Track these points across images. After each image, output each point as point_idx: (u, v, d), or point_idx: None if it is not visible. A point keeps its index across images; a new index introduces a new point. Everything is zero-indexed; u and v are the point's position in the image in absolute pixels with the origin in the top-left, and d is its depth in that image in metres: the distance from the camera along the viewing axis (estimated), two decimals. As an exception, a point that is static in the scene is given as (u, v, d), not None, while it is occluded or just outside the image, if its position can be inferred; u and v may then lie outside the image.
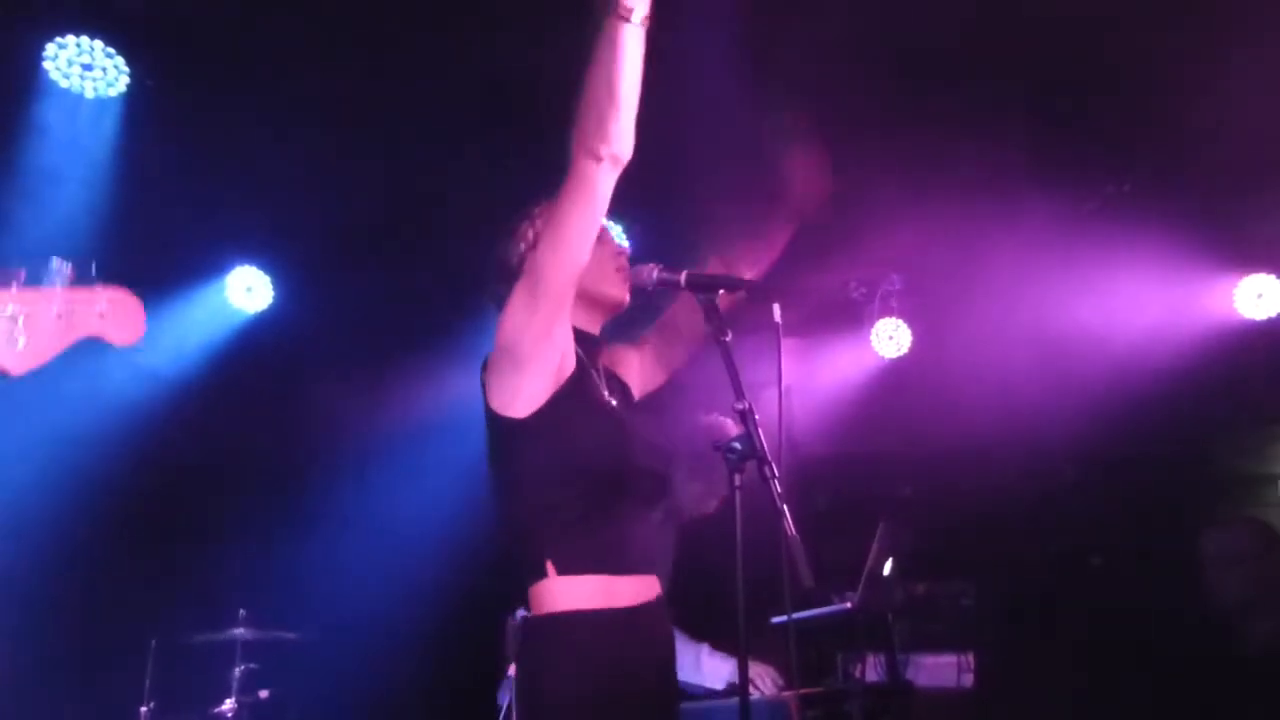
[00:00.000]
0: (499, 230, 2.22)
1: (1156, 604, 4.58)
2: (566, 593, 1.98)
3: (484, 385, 2.09)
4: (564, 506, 2.02)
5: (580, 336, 2.16)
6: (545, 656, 1.97)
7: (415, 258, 4.99)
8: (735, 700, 3.07)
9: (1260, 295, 5.06)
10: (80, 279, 1.65)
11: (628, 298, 2.21)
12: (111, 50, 3.99)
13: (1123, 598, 4.98)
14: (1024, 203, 4.68)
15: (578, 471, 2.02)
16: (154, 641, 4.19)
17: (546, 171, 2.01)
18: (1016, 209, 4.70)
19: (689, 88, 3.98)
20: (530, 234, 2.18)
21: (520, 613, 2.04)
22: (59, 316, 1.61)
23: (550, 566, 1.99)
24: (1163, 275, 4.90)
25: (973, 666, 3.92)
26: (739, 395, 1.95)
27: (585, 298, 2.19)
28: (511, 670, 1.98)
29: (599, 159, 1.90)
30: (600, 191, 1.93)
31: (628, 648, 2.01)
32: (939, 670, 3.90)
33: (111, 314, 1.66)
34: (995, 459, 5.16)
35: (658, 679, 2.10)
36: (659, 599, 2.11)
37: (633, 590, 2.04)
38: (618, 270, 2.20)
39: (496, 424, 2.06)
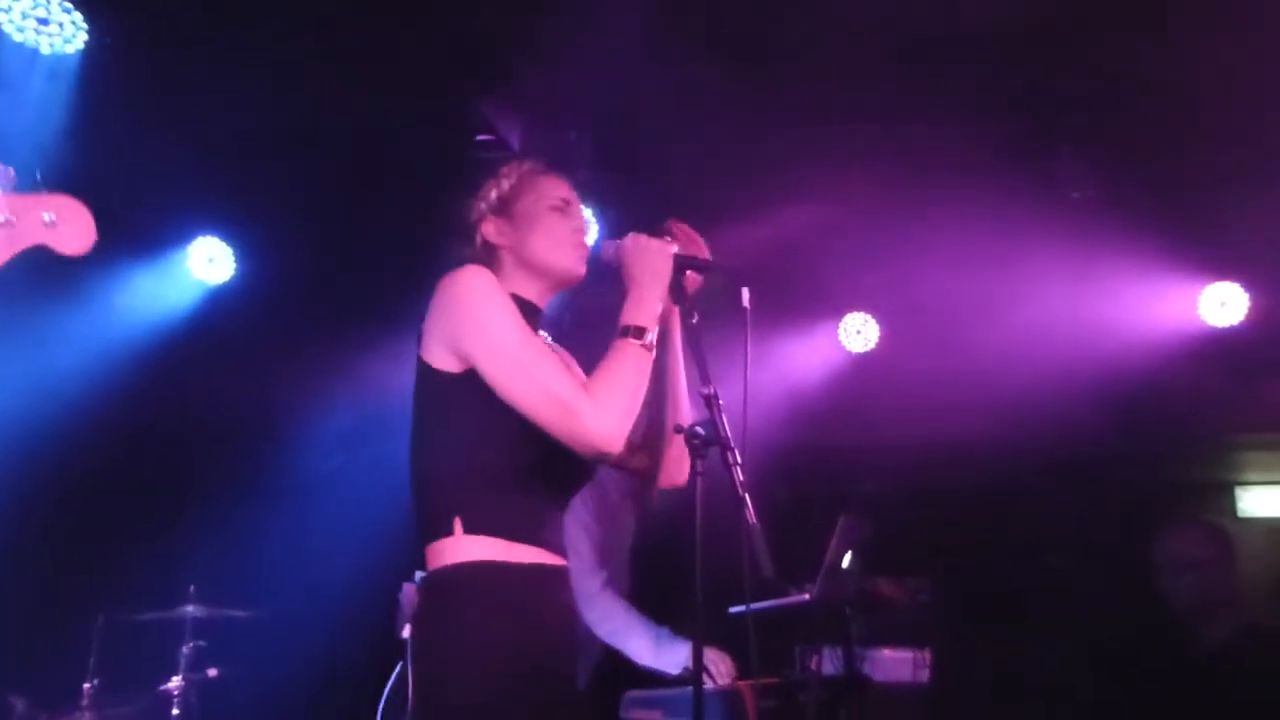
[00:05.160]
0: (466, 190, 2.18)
1: (1112, 605, 4.62)
2: (470, 548, 1.94)
3: (421, 337, 2.04)
4: (482, 470, 1.97)
5: (523, 306, 2.07)
6: (450, 607, 1.92)
7: (380, 231, 4.91)
8: (688, 689, 3.05)
9: (1223, 303, 5.08)
10: (23, 186, 1.58)
11: (582, 271, 2.15)
12: (69, 5, 3.87)
13: (1079, 598, 5.02)
14: (992, 203, 4.69)
15: (501, 436, 1.95)
16: (100, 617, 4.10)
17: (507, 141, 1.97)
18: (984, 209, 4.71)
19: (661, 71, 3.94)
20: (493, 196, 2.14)
21: (418, 574, 1.99)
22: (3, 225, 1.54)
23: (458, 524, 1.95)
24: (1128, 280, 4.93)
25: (929, 663, 3.92)
26: (705, 380, 1.92)
27: (535, 268, 2.13)
28: (406, 633, 1.92)
29: (597, 444, 1.90)
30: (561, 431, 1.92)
31: (530, 599, 1.97)
32: (895, 665, 3.89)
33: (59, 223, 1.59)
34: (956, 457, 5.18)
35: (560, 639, 2.05)
36: (562, 570, 2.06)
37: (534, 554, 1.99)
38: (575, 246, 2.14)
39: (426, 377, 2.02)
